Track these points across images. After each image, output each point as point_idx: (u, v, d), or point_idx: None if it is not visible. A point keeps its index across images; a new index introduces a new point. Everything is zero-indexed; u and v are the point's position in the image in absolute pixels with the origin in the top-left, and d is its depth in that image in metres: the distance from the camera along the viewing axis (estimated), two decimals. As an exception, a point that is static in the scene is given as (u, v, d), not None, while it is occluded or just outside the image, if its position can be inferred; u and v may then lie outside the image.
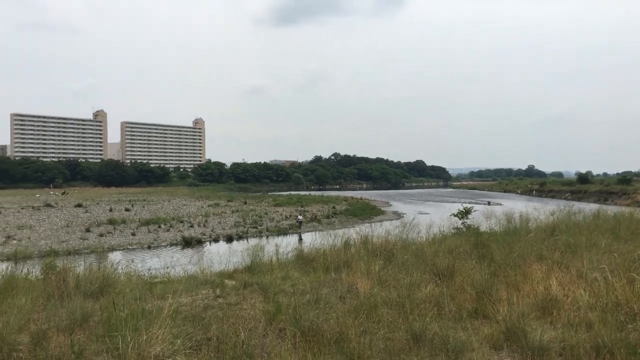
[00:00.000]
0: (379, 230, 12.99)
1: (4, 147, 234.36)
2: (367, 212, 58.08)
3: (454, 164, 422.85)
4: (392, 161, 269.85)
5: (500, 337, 5.85)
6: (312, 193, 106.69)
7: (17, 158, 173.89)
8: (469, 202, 30.16)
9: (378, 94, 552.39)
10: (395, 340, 5.62)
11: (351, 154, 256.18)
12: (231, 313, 6.40)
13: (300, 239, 35.95)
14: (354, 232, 13.31)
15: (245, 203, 69.20)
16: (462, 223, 17.32)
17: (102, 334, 5.42)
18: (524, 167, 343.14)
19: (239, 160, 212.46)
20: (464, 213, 17.90)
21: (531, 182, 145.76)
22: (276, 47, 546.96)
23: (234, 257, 12.19)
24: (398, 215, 55.58)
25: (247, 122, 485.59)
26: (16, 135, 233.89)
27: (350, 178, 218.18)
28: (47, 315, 6.36)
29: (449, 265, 8.74)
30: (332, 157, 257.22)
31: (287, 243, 24.20)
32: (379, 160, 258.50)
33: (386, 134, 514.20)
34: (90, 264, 9.87)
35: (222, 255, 12.59)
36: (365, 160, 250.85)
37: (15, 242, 32.50)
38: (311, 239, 13.53)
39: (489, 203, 67.20)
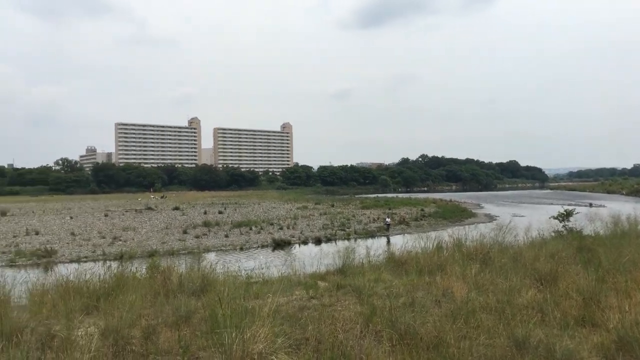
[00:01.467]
0: (472, 233, 12.60)
1: (110, 154, 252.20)
2: (457, 214, 56.58)
3: (551, 164, 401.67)
4: (483, 162, 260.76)
5: (611, 347, 5.47)
6: (400, 195, 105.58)
7: (121, 164, 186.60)
8: (569, 204, 28.48)
9: (466, 94, 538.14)
10: (496, 347, 5.42)
11: (439, 155, 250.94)
12: (326, 314, 6.45)
13: (389, 242, 35.64)
14: (446, 235, 13.02)
15: (333, 206, 69.75)
16: (563, 226, 16.40)
17: (206, 331, 5.66)
18: (629, 166, 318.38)
19: (326, 164, 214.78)
20: (565, 215, 16.94)
21: (638, 182, 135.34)
22: (362, 50, 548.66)
23: (324, 259, 12.30)
24: (490, 218, 53.66)
25: (334, 125, 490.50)
26: (120, 143, 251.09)
27: (438, 180, 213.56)
28: (155, 311, 6.73)
29: (552, 270, 8.31)
30: (420, 159, 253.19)
31: (376, 246, 24.06)
32: (468, 161, 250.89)
33: (476, 135, 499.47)
34: (190, 264, 10.35)
35: (312, 257, 12.74)
36: (454, 161, 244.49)
37: (121, 242, 34.79)
38: (401, 242, 13.39)
39: (590, 205, 63.09)
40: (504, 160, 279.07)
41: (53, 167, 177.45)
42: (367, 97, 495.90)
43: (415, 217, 51.57)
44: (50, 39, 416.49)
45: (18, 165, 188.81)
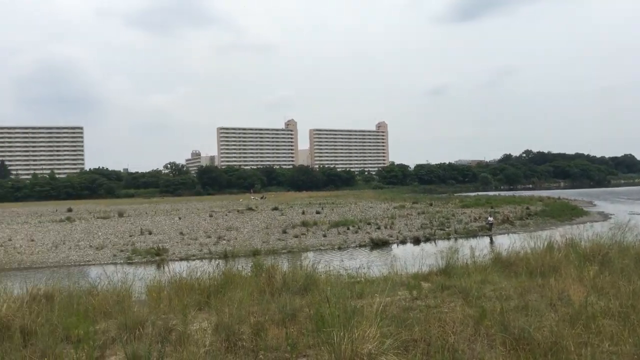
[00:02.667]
0: (586, 232, 11.75)
1: (212, 157, 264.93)
2: (567, 212, 53.23)
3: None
4: (594, 156, 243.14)
5: None
6: (502, 193, 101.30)
7: (223, 167, 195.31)
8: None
9: (573, 86, 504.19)
10: (622, 355, 4.99)
11: (545, 151, 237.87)
12: (432, 316, 6.28)
13: (492, 242, 34.32)
14: (556, 234, 12.25)
15: (431, 205, 68.40)
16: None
17: (312, 329, 5.70)
18: None
19: (422, 162, 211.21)
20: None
21: None
22: (457, 44, 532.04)
23: (425, 259, 12.03)
24: (605, 217, 50.01)
25: (430, 122, 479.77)
26: (222, 146, 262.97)
27: (544, 176, 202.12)
28: (261, 309, 6.91)
29: (683, 273, 7.52)
30: (524, 155, 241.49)
31: (479, 246, 23.21)
32: (578, 156, 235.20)
33: (586, 128, 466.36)
34: (292, 263, 10.55)
35: (413, 257, 12.49)
36: (562, 156, 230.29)
37: (225, 241, 36.34)
38: (506, 242, 12.79)
39: None
40: (619, 154, 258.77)
41: (162, 171, 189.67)
42: (465, 92, 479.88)
43: (520, 216, 49.20)
44: (159, 50, 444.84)
45: (132, 169, 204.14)
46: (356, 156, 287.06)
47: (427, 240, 36.62)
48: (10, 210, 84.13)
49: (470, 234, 38.88)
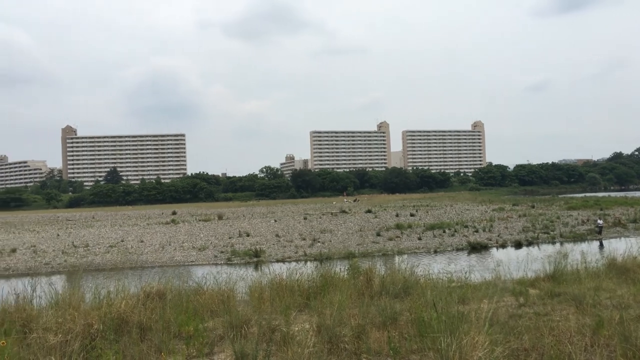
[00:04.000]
0: None
1: (306, 161, 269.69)
2: (688, 215, 48.39)
3: None
4: None
5: None
6: (612, 194, 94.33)
7: (316, 170, 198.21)
8: None
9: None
10: None
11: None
12: (542, 324, 5.93)
13: (602, 246, 32.02)
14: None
15: (533, 207, 65.13)
16: None
17: (414, 334, 5.59)
18: None
19: (522, 162, 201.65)
20: None
21: None
22: (560, 37, 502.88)
23: (529, 264, 11.44)
24: None
25: (530, 120, 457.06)
26: (315, 150, 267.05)
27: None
28: (361, 311, 6.89)
29: None
30: (636, 153, 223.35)
31: (588, 250, 21.77)
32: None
33: None
34: (390, 266, 10.43)
35: (517, 262, 11.92)
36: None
37: (319, 244, 36.76)
38: (619, 246, 11.86)
39: None
40: None
41: (258, 175, 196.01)
42: (568, 87, 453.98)
43: (634, 219, 45.49)
44: (254, 58, 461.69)
45: (230, 174, 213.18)
46: (451, 157, 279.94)
47: (529, 244, 34.85)
48: (122, 213, 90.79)
49: (578, 238, 36.50)
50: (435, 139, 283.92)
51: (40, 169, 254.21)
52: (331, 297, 7.29)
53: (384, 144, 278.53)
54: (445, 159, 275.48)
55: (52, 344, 5.36)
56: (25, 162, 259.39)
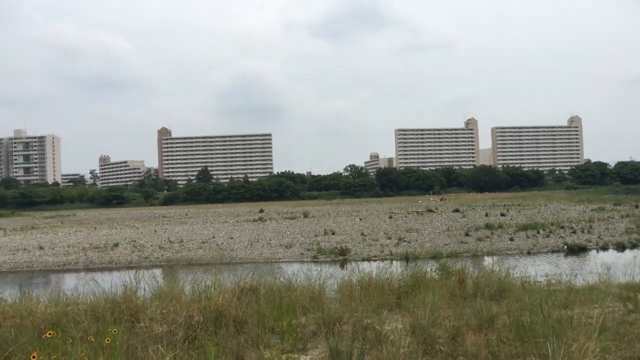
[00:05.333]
0: None
1: (390, 159, 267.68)
2: None
3: None
4: None
5: None
6: None
7: (401, 168, 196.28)
8: None
9: None
10: None
11: None
12: (657, 333, 5.49)
13: None
14: None
15: (637, 206, 60.56)
16: None
17: (513, 338, 5.37)
18: None
19: (625, 159, 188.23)
20: None
21: None
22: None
23: (636, 267, 10.63)
24: None
25: (633, 115, 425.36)
26: (400, 148, 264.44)
27: None
28: (455, 313, 6.71)
29: None
30: None
31: None
32: None
33: None
34: (481, 267, 10.10)
35: (624, 265, 11.12)
36: None
37: (405, 243, 36.31)
38: None
39: None
40: None
41: (343, 173, 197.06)
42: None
43: None
44: (339, 57, 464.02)
45: (314, 172, 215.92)
46: (545, 154, 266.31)
47: (633, 246, 32.42)
48: (212, 211, 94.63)
49: (691, 241, 33.49)
50: (527, 136, 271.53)
51: (139, 169, 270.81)
52: (423, 297, 7.17)
53: (471, 141, 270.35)
54: (538, 156, 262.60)
55: (158, 333, 5.68)
56: (125, 162, 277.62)
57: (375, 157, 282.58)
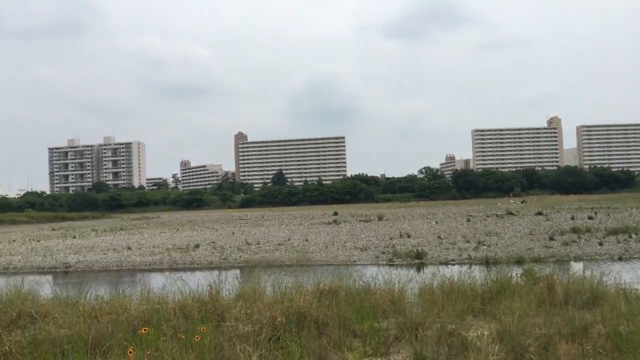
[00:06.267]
0: None
1: (467, 161, 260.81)
2: None
3: None
4: None
5: None
6: None
7: (478, 170, 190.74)
8: None
9: None
10: None
11: None
12: None
13: None
14: None
15: None
16: None
17: (610, 348, 5.06)
18: None
19: None
20: None
21: None
22: None
23: None
24: None
25: None
26: (477, 149, 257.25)
27: None
28: (544, 320, 6.41)
29: None
30: None
31: None
32: None
33: None
34: (571, 273, 9.62)
35: None
36: None
37: (485, 247, 35.20)
38: None
39: None
40: None
41: (417, 175, 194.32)
42: None
43: None
44: (413, 57, 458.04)
45: (388, 175, 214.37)
46: (636, 154, 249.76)
47: None
48: (287, 213, 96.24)
49: None
50: (616, 134, 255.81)
51: (217, 172, 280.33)
52: (509, 303, 6.91)
53: (555, 140, 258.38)
54: (629, 156, 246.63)
55: (243, 333, 5.82)
56: (204, 166, 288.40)
57: (451, 159, 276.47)
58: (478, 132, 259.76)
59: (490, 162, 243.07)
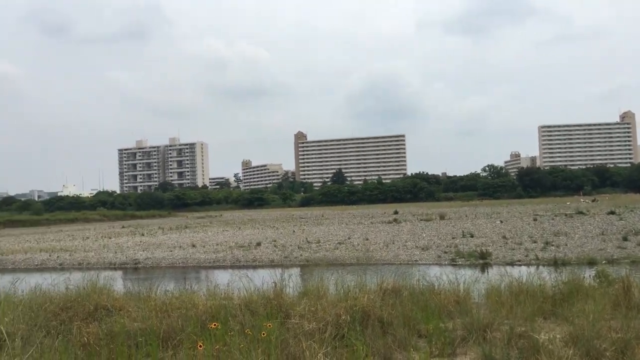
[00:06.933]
0: None
1: (533, 158, 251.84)
2: None
3: None
4: None
5: None
6: None
7: (545, 168, 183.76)
8: None
9: None
10: None
11: None
12: None
13: None
14: None
15: None
16: None
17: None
18: None
19: None
20: None
21: None
22: None
23: None
24: None
25: None
26: (544, 146, 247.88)
27: None
28: (621, 324, 6.10)
29: None
30: None
31: None
32: None
33: None
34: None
35: None
36: None
37: (553, 247, 33.91)
38: None
39: None
40: None
41: (480, 174, 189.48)
42: None
43: None
44: (476, 53, 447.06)
45: (450, 173, 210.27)
46: None
47: None
48: (347, 212, 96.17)
49: None
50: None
51: (277, 172, 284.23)
52: (582, 306, 6.64)
53: (628, 136, 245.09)
54: None
55: (308, 330, 5.88)
56: (265, 165, 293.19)
57: (516, 156, 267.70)
58: (545, 128, 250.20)
59: (558, 159, 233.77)
